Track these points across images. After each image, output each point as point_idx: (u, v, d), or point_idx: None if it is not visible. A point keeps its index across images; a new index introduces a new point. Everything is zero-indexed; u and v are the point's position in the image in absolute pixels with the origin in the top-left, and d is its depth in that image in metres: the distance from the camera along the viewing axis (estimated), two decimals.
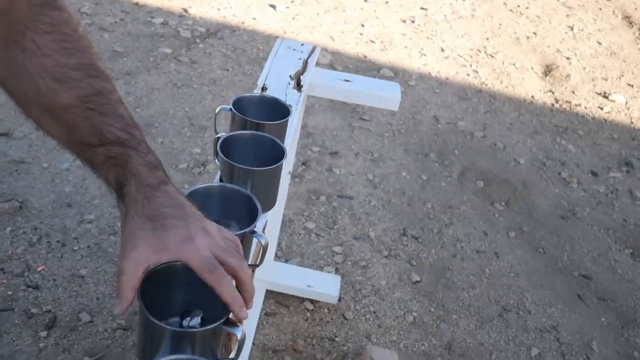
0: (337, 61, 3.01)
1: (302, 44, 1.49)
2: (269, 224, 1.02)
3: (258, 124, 1.01)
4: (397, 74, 3.00)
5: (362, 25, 3.35)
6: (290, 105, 1.12)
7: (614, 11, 3.99)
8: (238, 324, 0.69)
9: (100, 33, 2.86)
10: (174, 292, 0.75)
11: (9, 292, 1.63)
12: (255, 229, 0.81)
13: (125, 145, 0.68)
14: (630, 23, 3.88)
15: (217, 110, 1.06)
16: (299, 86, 1.33)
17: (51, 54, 0.66)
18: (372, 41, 3.23)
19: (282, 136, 1.06)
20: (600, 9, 3.99)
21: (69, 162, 2.10)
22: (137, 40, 2.87)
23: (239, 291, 0.68)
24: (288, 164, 1.59)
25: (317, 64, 2.92)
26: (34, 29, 0.66)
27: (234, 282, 0.68)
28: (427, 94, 2.91)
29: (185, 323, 0.74)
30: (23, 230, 1.82)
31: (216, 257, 0.66)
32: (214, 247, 0.67)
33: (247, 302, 0.69)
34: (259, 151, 0.97)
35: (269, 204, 0.98)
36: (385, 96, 1.43)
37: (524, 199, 2.40)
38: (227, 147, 0.94)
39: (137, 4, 3.14)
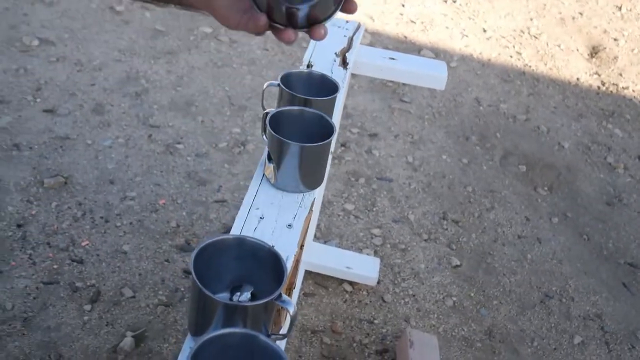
0: (377, 42, 2.97)
1: (347, 22, 1.47)
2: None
3: (306, 100, 0.99)
4: (438, 55, 2.94)
5: (403, 5, 3.29)
6: (337, 82, 1.11)
7: None
8: (290, 299, 0.69)
9: (141, 12, 2.88)
10: (225, 267, 0.75)
11: (55, 266, 1.67)
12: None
13: None
14: None
15: (265, 86, 1.05)
16: (344, 63, 1.31)
17: None
18: (412, 21, 3.18)
19: (329, 112, 1.05)
20: None
21: (111, 139, 2.13)
22: (178, 19, 2.87)
23: None
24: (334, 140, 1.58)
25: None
26: None
27: None
28: (469, 75, 2.85)
29: (235, 298, 0.74)
30: (68, 206, 1.86)
31: None
32: None
33: None
34: (306, 127, 0.96)
35: (316, 182, 0.97)
36: (432, 75, 1.40)
37: (568, 184, 2.34)
38: (275, 123, 0.93)
39: None
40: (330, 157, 1.69)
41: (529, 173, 2.36)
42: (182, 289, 1.67)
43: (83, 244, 1.75)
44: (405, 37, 3.05)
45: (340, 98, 1.15)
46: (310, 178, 0.95)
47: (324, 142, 0.91)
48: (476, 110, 2.64)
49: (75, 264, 1.69)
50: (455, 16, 3.29)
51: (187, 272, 1.72)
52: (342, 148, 2.29)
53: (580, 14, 3.48)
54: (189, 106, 2.35)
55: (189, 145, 2.17)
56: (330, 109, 1.04)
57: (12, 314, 1.52)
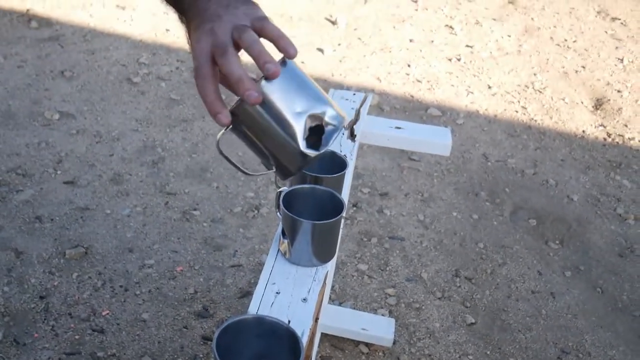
0: (385, 102, 3.06)
1: (354, 93, 1.55)
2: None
3: (317, 178, 1.05)
4: (445, 113, 3.02)
5: (409, 65, 3.40)
6: (346, 156, 1.17)
7: None
8: None
9: (157, 82, 3.00)
10: (245, 345, 0.79)
11: (77, 337, 1.71)
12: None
13: None
14: None
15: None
16: (352, 136, 1.37)
17: None
18: (418, 81, 3.27)
19: (339, 187, 1.10)
20: None
21: (129, 208, 2.20)
22: (192, 87, 2.98)
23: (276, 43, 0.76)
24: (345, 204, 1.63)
25: None
26: None
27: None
28: (476, 132, 2.92)
29: None
30: (88, 276, 1.91)
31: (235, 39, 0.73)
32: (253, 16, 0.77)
33: (290, 47, 0.75)
34: (318, 204, 1.02)
35: (328, 255, 1.02)
36: (437, 142, 1.46)
37: (579, 237, 2.36)
38: (288, 201, 0.98)
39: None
40: (342, 220, 1.74)
41: (540, 227, 2.38)
42: (201, 356, 1.70)
43: (104, 313, 1.79)
44: (412, 96, 3.14)
45: (350, 172, 1.20)
46: (322, 252, 1.00)
47: (334, 219, 0.96)
48: (484, 166, 2.69)
49: (96, 333, 1.73)
50: (460, 74, 3.38)
51: (205, 338, 1.75)
52: (354, 208, 2.35)
53: (583, 67, 3.57)
54: (204, 172, 2.43)
55: (204, 211, 2.23)
56: (340, 185, 1.10)
57: None
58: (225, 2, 0.75)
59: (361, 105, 1.50)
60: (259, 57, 0.72)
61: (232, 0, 0.75)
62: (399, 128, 1.48)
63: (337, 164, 1.12)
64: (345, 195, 1.13)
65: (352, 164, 1.27)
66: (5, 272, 1.89)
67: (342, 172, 1.08)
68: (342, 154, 1.26)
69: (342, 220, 1.73)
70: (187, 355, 1.69)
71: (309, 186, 1.03)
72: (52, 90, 2.85)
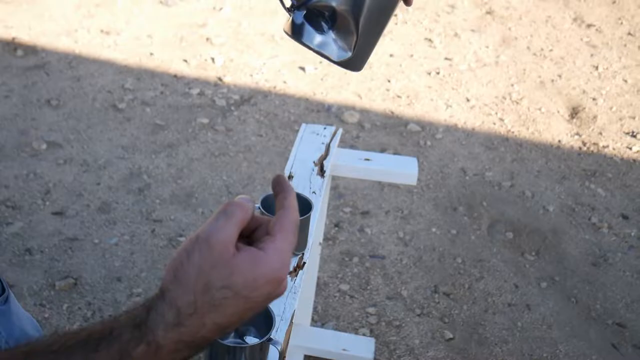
0: (365, 119, 3.13)
1: (325, 127, 1.62)
2: (305, 288, 1.13)
3: None
4: (424, 128, 3.10)
5: (389, 81, 3.48)
6: (315, 192, 1.24)
7: (639, 46, 4.02)
8: (279, 339, 0.91)
9: (142, 107, 3.07)
10: None
11: None
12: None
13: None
14: None
15: None
16: (322, 171, 1.44)
17: None
18: (398, 96, 3.35)
19: (306, 228, 1.18)
20: (625, 45, 4.03)
21: (117, 237, 2.27)
22: (177, 112, 3.06)
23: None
24: (318, 237, 1.70)
25: (346, 124, 3.05)
26: None
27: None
28: (454, 146, 3.00)
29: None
30: (78, 306, 1.98)
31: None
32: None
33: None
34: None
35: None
36: (403, 172, 1.54)
37: (555, 248, 2.44)
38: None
39: (175, 76, 3.34)
40: (320, 247, 1.81)
41: (516, 239, 2.46)
42: None
43: None
44: (392, 112, 3.21)
45: (316, 211, 1.27)
46: None
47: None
48: (462, 180, 2.77)
49: None
50: (439, 88, 3.46)
51: None
52: (336, 228, 2.42)
53: (559, 76, 3.65)
54: (189, 198, 2.50)
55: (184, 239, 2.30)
56: (305, 226, 1.17)
57: None
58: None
59: (331, 140, 1.58)
60: None
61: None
62: (368, 160, 1.55)
63: (303, 205, 1.19)
64: (312, 233, 1.21)
65: (319, 202, 1.34)
66: None
67: (307, 215, 1.15)
68: (311, 191, 1.34)
69: (320, 247, 1.81)
70: None
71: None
72: (39, 120, 2.91)
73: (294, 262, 1.17)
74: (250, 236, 0.59)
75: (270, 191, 1.25)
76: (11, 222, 2.30)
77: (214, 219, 0.54)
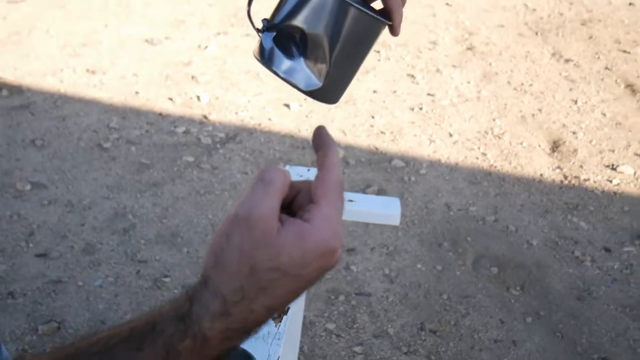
0: (350, 155, 3.16)
1: (309, 169, 1.64)
2: (290, 331, 1.13)
3: None
4: (408, 164, 3.13)
5: (372, 117, 3.52)
6: None
7: (616, 80, 4.12)
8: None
9: (127, 146, 3.08)
10: None
11: None
12: None
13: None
14: (633, 91, 3.99)
15: None
16: None
17: None
18: (382, 132, 3.39)
19: None
20: (603, 79, 4.12)
21: (101, 279, 2.25)
22: (162, 150, 3.07)
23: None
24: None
25: None
26: None
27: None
28: (438, 181, 3.03)
29: None
30: None
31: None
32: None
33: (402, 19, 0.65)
34: None
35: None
36: (387, 213, 1.55)
37: (539, 282, 2.46)
38: None
39: (160, 114, 3.37)
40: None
41: (501, 274, 2.48)
42: None
43: None
44: (377, 148, 3.25)
45: None
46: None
47: None
48: (447, 215, 2.79)
49: None
50: (422, 123, 3.51)
51: None
52: None
53: (540, 110, 3.72)
54: (175, 237, 2.49)
55: (175, 277, 2.29)
56: None
57: None
58: None
59: None
60: None
61: None
62: (351, 201, 1.57)
63: None
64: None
65: None
66: None
67: None
68: None
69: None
70: None
71: None
72: (23, 160, 2.91)
73: None
74: (290, 205, 0.53)
75: None
76: None
77: (251, 192, 0.48)
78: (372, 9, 0.67)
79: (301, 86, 0.66)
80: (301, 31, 0.63)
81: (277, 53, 0.65)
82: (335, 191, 0.51)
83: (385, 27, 0.65)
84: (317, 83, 0.66)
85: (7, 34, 3.99)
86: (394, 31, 0.65)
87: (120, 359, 0.51)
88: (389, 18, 0.65)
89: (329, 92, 0.68)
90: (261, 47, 0.67)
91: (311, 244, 0.48)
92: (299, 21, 0.62)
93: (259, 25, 0.67)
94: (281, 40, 0.65)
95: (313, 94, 0.66)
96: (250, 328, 0.50)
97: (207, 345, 0.49)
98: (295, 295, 0.50)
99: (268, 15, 0.68)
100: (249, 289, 0.48)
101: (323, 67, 0.64)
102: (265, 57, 0.66)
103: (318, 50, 0.63)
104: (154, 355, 0.49)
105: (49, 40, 4.00)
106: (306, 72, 0.66)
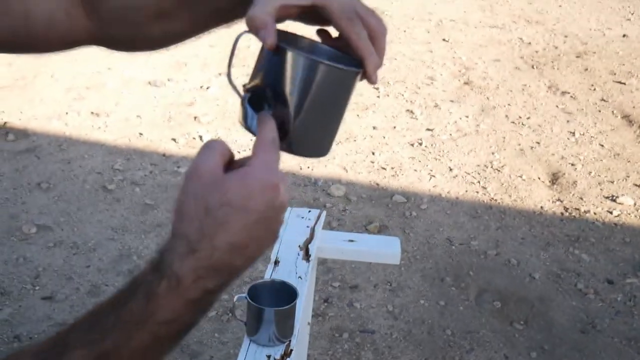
0: (351, 192, 3.20)
1: (309, 211, 1.67)
2: None
3: (260, 310, 1.16)
4: (409, 199, 3.16)
5: (373, 153, 3.57)
6: (300, 277, 1.28)
7: (612, 111, 4.17)
8: None
9: (132, 188, 3.12)
10: None
11: None
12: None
13: None
14: (630, 122, 4.05)
15: (234, 299, 1.22)
16: (307, 255, 1.48)
17: None
18: (383, 168, 3.43)
19: (292, 316, 1.21)
20: (599, 111, 4.17)
21: None
22: (166, 191, 3.11)
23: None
24: (307, 317, 1.73)
25: (333, 197, 3.10)
26: None
27: None
28: (439, 216, 3.05)
29: None
30: None
31: (357, 12, 0.61)
32: (356, 3, 0.61)
33: (379, 66, 0.63)
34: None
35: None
36: (387, 252, 1.58)
37: (543, 316, 2.46)
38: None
39: (164, 155, 3.42)
40: (308, 327, 1.83)
41: (504, 308, 2.49)
42: None
43: None
44: (377, 184, 3.29)
45: (302, 298, 1.31)
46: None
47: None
48: (449, 250, 2.81)
49: None
50: (422, 158, 3.55)
51: None
52: (325, 304, 2.43)
53: (538, 143, 3.77)
54: None
55: None
56: (292, 314, 1.20)
57: None
58: None
59: (315, 223, 1.62)
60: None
61: None
62: (352, 241, 1.60)
63: (288, 293, 1.22)
64: (299, 320, 1.24)
65: (305, 288, 1.38)
66: None
67: (292, 304, 1.19)
68: (297, 276, 1.37)
69: (309, 327, 1.82)
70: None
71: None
72: (29, 203, 2.95)
73: (281, 349, 1.19)
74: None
75: (258, 280, 1.29)
76: (0, 309, 2.30)
77: (197, 155, 0.57)
78: (347, 57, 0.65)
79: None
80: (271, 91, 0.64)
81: (251, 112, 0.66)
82: (270, 144, 0.59)
83: (359, 75, 0.63)
84: (282, 140, 0.64)
85: (14, 79, 4.07)
86: (369, 79, 0.64)
87: (106, 319, 0.56)
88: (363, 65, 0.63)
89: (309, 146, 0.67)
90: (243, 110, 0.68)
91: (252, 179, 0.55)
92: (267, 83, 0.63)
93: (241, 89, 0.68)
94: (259, 102, 0.66)
95: (290, 151, 0.65)
96: (220, 266, 0.55)
97: (181, 284, 0.54)
98: (253, 233, 0.56)
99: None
100: (207, 227, 0.54)
101: (290, 124, 0.64)
102: (242, 118, 0.67)
103: (286, 108, 0.63)
104: (138, 306, 0.54)
105: (54, 84, 4.08)
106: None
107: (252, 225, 0.55)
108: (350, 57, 0.63)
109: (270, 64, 0.62)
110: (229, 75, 0.67)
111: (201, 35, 0.71)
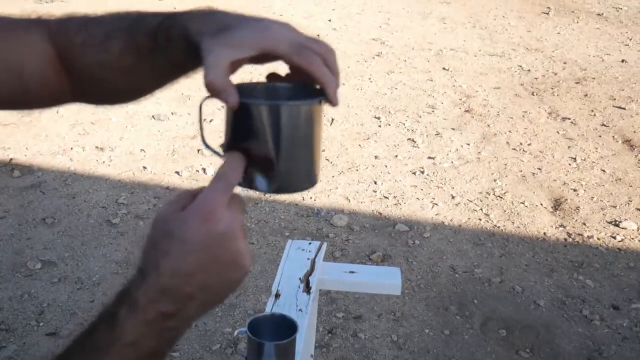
0: (354, 221, 3.21)
1: (310, 242, 1.68)
2: None
3: (260, 344, 1.16)
4: (412, 228, 3.17)
5: (375, 183, 3.59)
6: (301, 310, 1.28)
7: (613, 136, 4.19)
8: None
9: (136, 221, 3.14)
10: None
11: None
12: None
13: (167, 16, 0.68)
14: (631, 146, 4.06)
15: (235, 334, 1.22)
16: (308, 288, 1.49)
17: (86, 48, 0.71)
18: (385, 197, 3.45)
19: (291, 351, 1.21)
20: (600, 136, 4.19)
21: None
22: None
23: None
24: (309, 350, 1.72)
25: (336, 227, 3.11)
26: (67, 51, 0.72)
27: None
28: (442, 244, 3.06)
29: None
30: None
31: (303, 44, 0.63)
32: (296, 35, 0.64)
33: (338, 87, 0.65)
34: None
35: None
36: (387, 283, 1.59)
37: (548, 343, 2.45)
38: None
39: (168, 188, 3.44)
40: None
41: (509, 337, 2.47)
42: None
43: None
44: (380, 213, 3.30)
45: (302, 331, 1.31)
46: None
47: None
48: (452, 278, 2.81)
49: None
50: (424, 187, 3.57)
51: None
52: (329, 335, 2.43)
53: (539, 169, 3.78)
54: None
55: (184, 351, 2.30)
56: (291, 348, 1.20)
57: None
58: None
59: (316, 255, 1.64)
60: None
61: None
62: (353, 272, 1.60)
63: (288, 327, 1.23)
64: (299, 352, 1.24)
65: (306, 320, 1.38)
66: None
67: (292, 337, 1.19)
68: (297, 308, 1.38)
69: None
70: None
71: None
72: (34, 239, 2.97)
73: None
74: None
75: (259, 314, 1.29)
76: (4, 346, 2.31)
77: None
78: (304, 85, 0.67)
79: (263, 190, 0.67)
80: (246, 144, 0.65)
81: None
82: (216, 180, 0.61)
83: (321, 102, 0.66)
84: (271, 186, 0.67)
85: (19, 116, 4.13)
86: (331, 103, 0.66)
87: (81, 349, 0.60)
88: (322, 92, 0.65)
89: (299, 180, 0.69)
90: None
91: (189, 211, 0.59)
92: (241, 137, 0.65)
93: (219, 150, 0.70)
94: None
95: (283, 190, 0.68)
96: (167, 291, 0.59)
97: (138, 305, 0.59)
98: (194, 260, 0.59)
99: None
100: (153, 257, 0.59)
101: (274, 168, 0.65)
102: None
103: (265, 155, 0.65)
104: (105, 331, 0.58)
105: (59, 120, 4.14)
106: (260, 175, 0.67)
107: (194, 254, 0.58)
108: (308, 83, 0.66)
109: (238, 119, 0.65)
110: (202, 140, 0.70)
111: (168, 86, 0.74)
